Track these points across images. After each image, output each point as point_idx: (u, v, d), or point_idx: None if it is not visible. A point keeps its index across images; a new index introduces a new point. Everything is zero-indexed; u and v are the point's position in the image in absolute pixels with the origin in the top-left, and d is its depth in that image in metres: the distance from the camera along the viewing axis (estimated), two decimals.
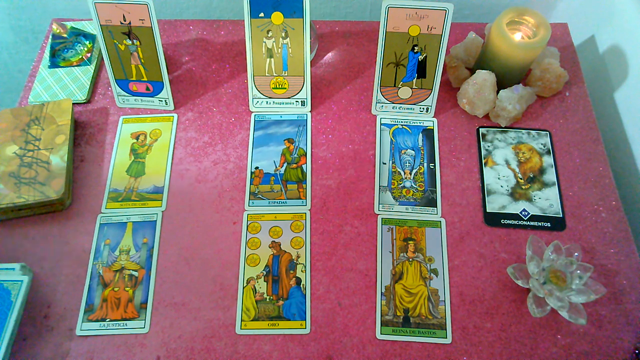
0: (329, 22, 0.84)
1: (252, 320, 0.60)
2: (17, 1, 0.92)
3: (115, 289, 0.62)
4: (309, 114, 0.74)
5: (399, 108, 0.73)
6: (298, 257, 0.64)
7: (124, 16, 0.67)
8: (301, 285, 0.62)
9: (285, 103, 0.74)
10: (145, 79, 0.73)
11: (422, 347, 0.58)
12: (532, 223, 0.66)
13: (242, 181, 0.69)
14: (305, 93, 0.73)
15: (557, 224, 0.66)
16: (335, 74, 0.78)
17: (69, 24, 0.81)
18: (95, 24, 0.68)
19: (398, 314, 0.60)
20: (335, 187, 0.68)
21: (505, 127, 0.73)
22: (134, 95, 0.74)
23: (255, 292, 0.61)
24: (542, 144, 0.71)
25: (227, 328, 0.59)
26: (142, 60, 0.71)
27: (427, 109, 0.73)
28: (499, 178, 0.69)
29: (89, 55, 0.79)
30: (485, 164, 0.70)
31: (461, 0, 0.89)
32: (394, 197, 0.68)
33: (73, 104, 0.73)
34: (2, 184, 0.64)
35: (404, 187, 0.68)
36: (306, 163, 0.70)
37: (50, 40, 0.80)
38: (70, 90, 0.76)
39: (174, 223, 0.66)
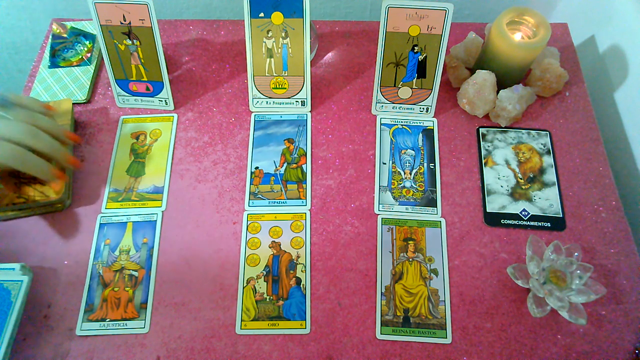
0: (329, 22, 0.84)
1: (252, 320, 0.60)
2: (17, 1, 0.92)
3: (115, 289, 0.62)
4: (309, 114, 0.74)
5: (399, 108, 0.73)
6: (298, 257, 0.64)
7: (124, 16, 0.67)
8: (301, 285, 0.62)
9: (285, 103, 0.74)
10: (145, 79, 0.73)
11: (422, 347, 0.58)
12: (532, 223, 0.66)
13: (242, 181, 0.69)
14: (305, 93, 0.73)
15: (557, 224, 0.66)
16: (335, 74, 0.78)
17: (69, 24, 0.81)
18: (95, 24, 0.68)
19: (398, 314, 0.60)
20: (335, 187, 0.68)
21: (505, 127, 0.73)
22: (134, 95, 0.74)
23: (255, 292, 0.61)
24: (542, 144, 0.71)
25: (227, 328, 0.59)
26: (142, 60, 0.71)
27: (427, 109, 0.73)
28: (499, 178, 0.69)
29: (89, 55, 0.79)
30: (485, 164, 0.70)
31: (461, 0, 0.89)
32: (394, 197, 0.68)
33: (73, 104, 0.73)
34: (2, 184, 0.64)
35: (404, 187, 0.68)
36: (306, 163, 0.70)
37: (50, 40, 0.80)
38: (70, 90, 0.76)
39: (174, 223, 0.66)
